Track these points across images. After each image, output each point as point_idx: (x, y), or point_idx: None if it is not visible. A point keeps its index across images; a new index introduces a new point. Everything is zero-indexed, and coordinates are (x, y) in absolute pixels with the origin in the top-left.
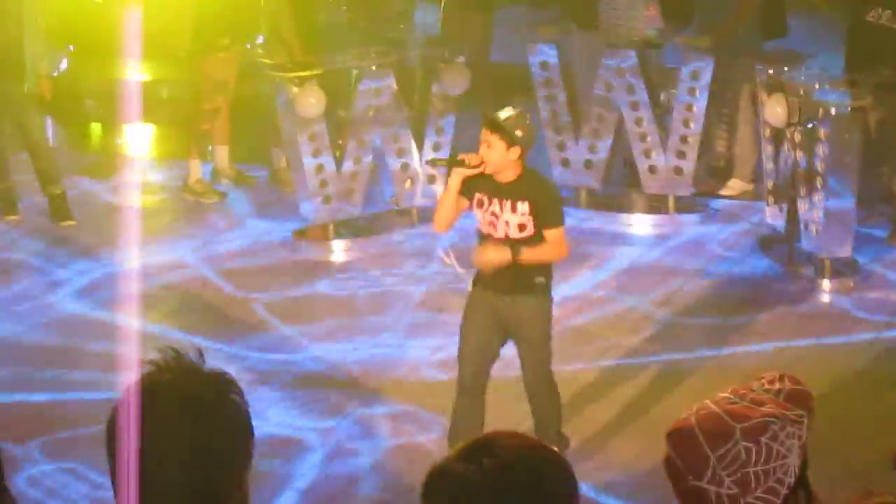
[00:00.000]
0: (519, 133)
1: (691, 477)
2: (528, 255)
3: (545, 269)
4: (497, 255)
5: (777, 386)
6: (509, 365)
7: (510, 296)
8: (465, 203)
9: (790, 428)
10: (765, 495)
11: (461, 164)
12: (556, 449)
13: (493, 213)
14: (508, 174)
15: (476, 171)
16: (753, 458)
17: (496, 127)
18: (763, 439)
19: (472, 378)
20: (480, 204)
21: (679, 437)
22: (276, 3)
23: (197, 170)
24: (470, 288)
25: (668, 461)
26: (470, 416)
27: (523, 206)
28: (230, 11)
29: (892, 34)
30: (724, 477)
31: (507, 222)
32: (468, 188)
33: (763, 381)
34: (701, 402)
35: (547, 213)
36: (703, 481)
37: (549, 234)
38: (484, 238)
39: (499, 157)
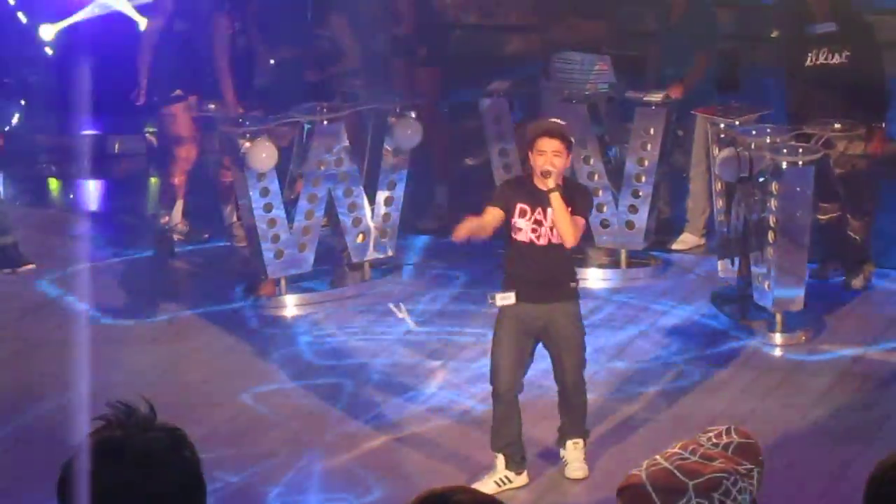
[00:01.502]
0: (573, 140)
1: None
2: (560, 205)
3: (574, 274)
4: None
5: (725, 439)
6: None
7: (549, 304)
8: (501, 217)
9: (742, 483)
10: None
11: (546, 177)
12: (581, 443)
13: (537, 222)
14: (559, 182)
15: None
16: None
17: (562, 135)
18: (716, 495)
19: (507, 388)
20: (523, 213)
21: (631, 494)
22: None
23: (179, 212)
24: (510, 302)
25: None
26: (507, 419)
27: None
28: (184, 63)
29: (831, 72)
30: None
31: (551, 228)
32: (507, 200)
33: (711, 434)
34: (651, 458)
35: (578, 203)
36: None
37: (576, 217)
38: (517, 246)
39: (564, 164)
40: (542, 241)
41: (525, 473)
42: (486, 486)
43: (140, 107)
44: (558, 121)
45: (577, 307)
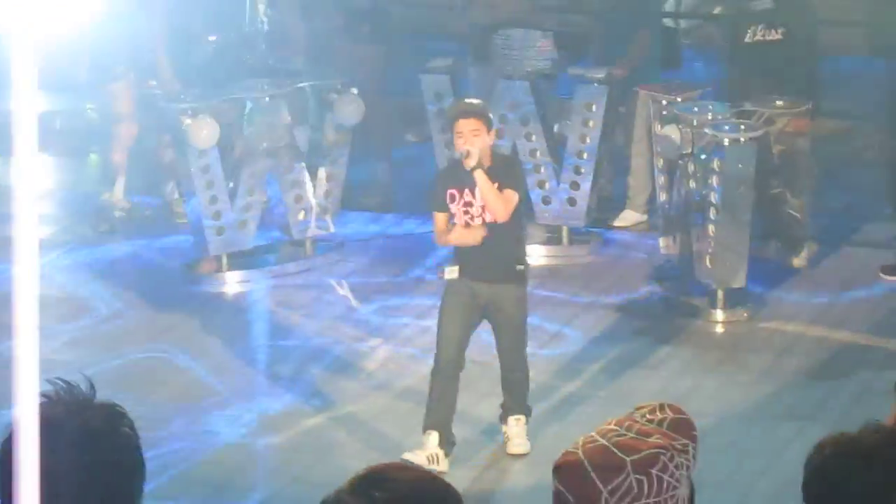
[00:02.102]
0: (492, 116)
1: None
2: (484, 181)
3: (522, 256)
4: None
5: (659, 416)
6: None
7: (491, 283)
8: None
9: (678, 458)
10: None
11: (467, 157)
12: (522, 419)
13: (467, 203)
14: (486, 159)
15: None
16: (645, 490)
17: (479, 113)
18: (653, 471)
19: (450, 362)
20: (452, 199)
21: (568, 472)
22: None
23: (122, 186)
24: (454, 276)
25: (558, 496)
26: (445, 397)
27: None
28: (125, 40)
29: (768, 48)
30: None
31: (483, 207)
32: (439, 197)
33: (645, 410)
34: (587, 435)
35: (510, 177)
36: None
37: (506, 192)
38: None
39: (485, 143)
40: (478, 222)
41: (447, 461)
42: (418, 458)
43: (81, 84)
44: (473, 100)
45: (523, 290)
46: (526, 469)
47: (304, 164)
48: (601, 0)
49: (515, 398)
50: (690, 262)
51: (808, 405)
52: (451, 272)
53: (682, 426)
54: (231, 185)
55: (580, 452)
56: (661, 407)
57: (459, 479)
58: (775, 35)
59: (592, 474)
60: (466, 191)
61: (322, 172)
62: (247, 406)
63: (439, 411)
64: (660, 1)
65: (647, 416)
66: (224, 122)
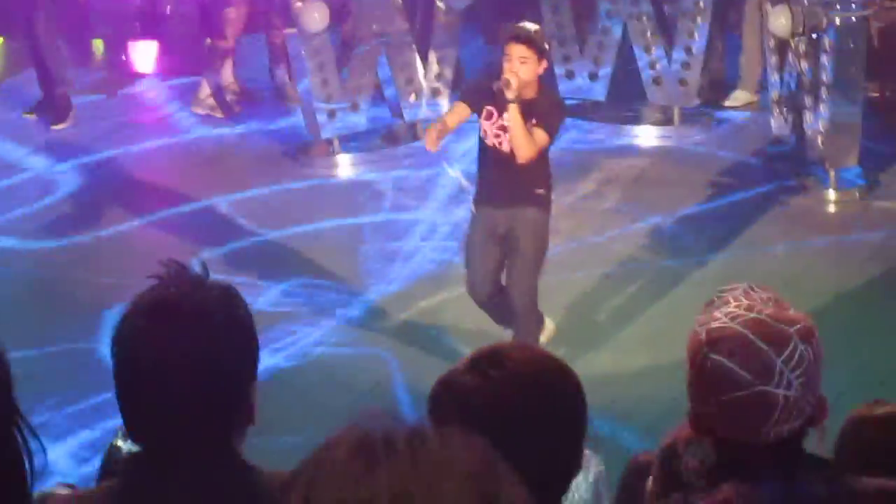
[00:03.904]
0: (546, 46)
1: (758, 382)
2: (515, 116)
3: (546, 181)
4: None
5: (765, 294)
6: None
7: (509, 209)
8: (467, 114)
9: (815, 331)
10: (813, 397)
11: (506, 87)
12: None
13: (502, 128)
14: (530, 90)
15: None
16: (810, 358)
17: (530, 40)
18: (813, 341)
19: (481, 288)
20: (490, 116)
21: (735, 344)
22: None
23: (208, 85)
24: (472, 208)
25: (718, 370)
26: (497, 308)
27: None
28: None
29: None
30: (793, 379)
31: None
32: (476, 98)
33: (737, 292)
34: (724, 311)
35: (547, 116)
36: (770, 385)
37: (537, 132)
38: (484, 147)
39: (532, 73)
40: (507, 148)
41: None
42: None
43: None
44: (531, 25)
45: (543, 215)
46: (642, 354)
47: (414, 46)
48: None
49: (522, 337)
50: (802, 142)
51: None
52: (464, 185)
53: (785, 303)
54: (342, 68)
55: (735, 326)
56: (752, 287)
57: None
58: None
59: (763, 345)
60: (505, 115)
61: (433, 55)
62: (362, 290)
63: (496, 317)
64: None
65: (751, 293)
66: (335, 4)
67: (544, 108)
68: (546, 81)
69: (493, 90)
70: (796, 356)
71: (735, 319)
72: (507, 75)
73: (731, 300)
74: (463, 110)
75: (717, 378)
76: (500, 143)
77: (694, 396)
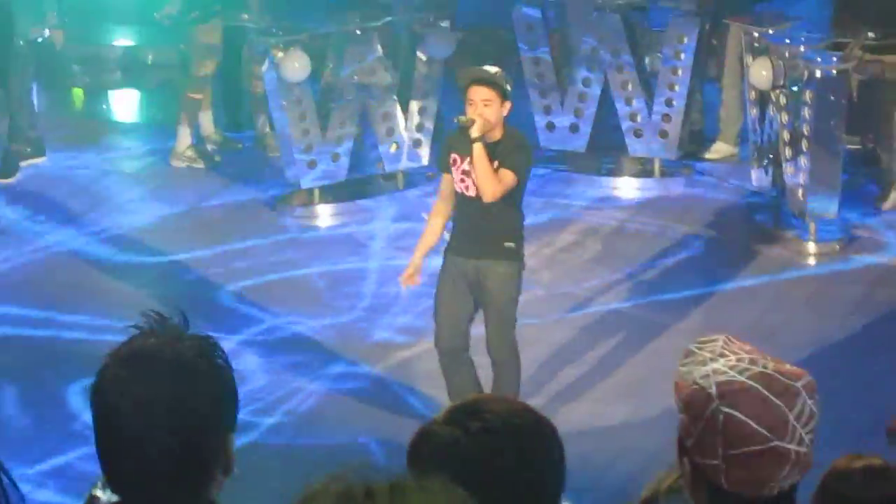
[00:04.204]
0: (509, 88)
1: (773, 437)
2: (480, 156)
3: (515, 234)
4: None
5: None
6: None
7: (477, 260)
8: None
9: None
10: (812, 451)
11: (469, 126)
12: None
13: (465, 172)
14: (495, 133)
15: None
16: (814, 414)
17: (492, 82)
18: (816, 396)
19: (448, 340)
20: (454, 163)
21: (748, 399)
22: None
23: (187, 137)
24: (442, 253)
25: (731, 423)
26: (457, 373)
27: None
28: None
29: None
30: (804, 435)
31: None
32: (444, 158)
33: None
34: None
35: (512, 157)
36: (784, 441)
37: (503, 171)
38: (456, 194)
39: (496, 114)
40: (472, 193)
41: None
42: None
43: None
44: (490, 67)
45: (512, 268)
46: (623, 403)
47: (395, 97)
48: None
49: (503, 387)
50: (783, 194)
51: None
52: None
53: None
54: (323, 118)
55: (745, 379)
56: (730, 339)
57: None
58: None
59: (777, 400)
60: (468, 159)
61: (414, 105)
62: (338, 339)
63: (453, 387)
64: None
65: (735, 346)
66: (316, 55)
67: (509, 150)
68: (511, 125)
69: (464, 137)
70: (806, 411)
71: (743, 373)
72: (472, 114)
73: (723, 352)
74: (448, 178)
75: (730, 432)
76: (465, 188)
77: (698, 449)
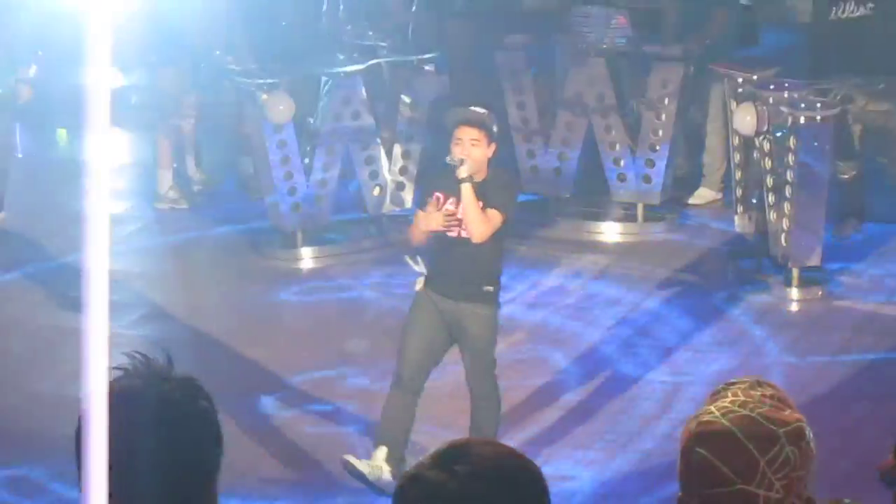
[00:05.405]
0: (496, 129)
1: (740, 481)
2: (469, 196)
3: (495, 277)
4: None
5: (768, 390)
6: (446, 361)
7: (456, 302)
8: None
9: (808, 431)
10: (799, 499)
11: (459, 165)
12: None
13: (449, 213)
14: (481, 173)
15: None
16: (798, 461)
17: (480, 123)
18: (802, 443)
19: (409, 376)
20: (437, 201)
21: (719, 440)
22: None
23: (167, 179)
24: (418, 288)
25: (702, 465)
26: (400, 412)
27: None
28: (181, 23)
29: (855, 26)
30: (775, 481)
31: (461, 221)
32: (424, 195)
33: (744, 385)
34: (717, 406)
35: (499, 196)
36: (752, 485)
37: (490, 211)
38: (434, 234)
39: (483, 155)
40: (454, 234)
41: (391, 476)
42: (361, 465)
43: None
44: (478, 108)
45: (490, 311)
46: (602, 453)
47: (379, 141)
48: None
49: (477, 429)
50: (766, 241)
51: (883, 384)
52: (418, 283)
53: (788, 400)
54: (306, 160)
55: (725, 421)
56: (760, 383)
57: None
58: (864, 10)
59: (748, 444)
60: (452, 199)
61: (398, 149)
62: (317, 385)
63: (391, 429)
64: None
65: (750, 390)
66: (300, 98)
67: (495, 189)
68: (497, 165)
69: (447, 177)
70: (781, 457)
71: (726, 415)
72: (458, 156)
73: (730, 394)
74: (423, 215)
75: (701, 472)
76: (447, 229)
77: (683, 486)
